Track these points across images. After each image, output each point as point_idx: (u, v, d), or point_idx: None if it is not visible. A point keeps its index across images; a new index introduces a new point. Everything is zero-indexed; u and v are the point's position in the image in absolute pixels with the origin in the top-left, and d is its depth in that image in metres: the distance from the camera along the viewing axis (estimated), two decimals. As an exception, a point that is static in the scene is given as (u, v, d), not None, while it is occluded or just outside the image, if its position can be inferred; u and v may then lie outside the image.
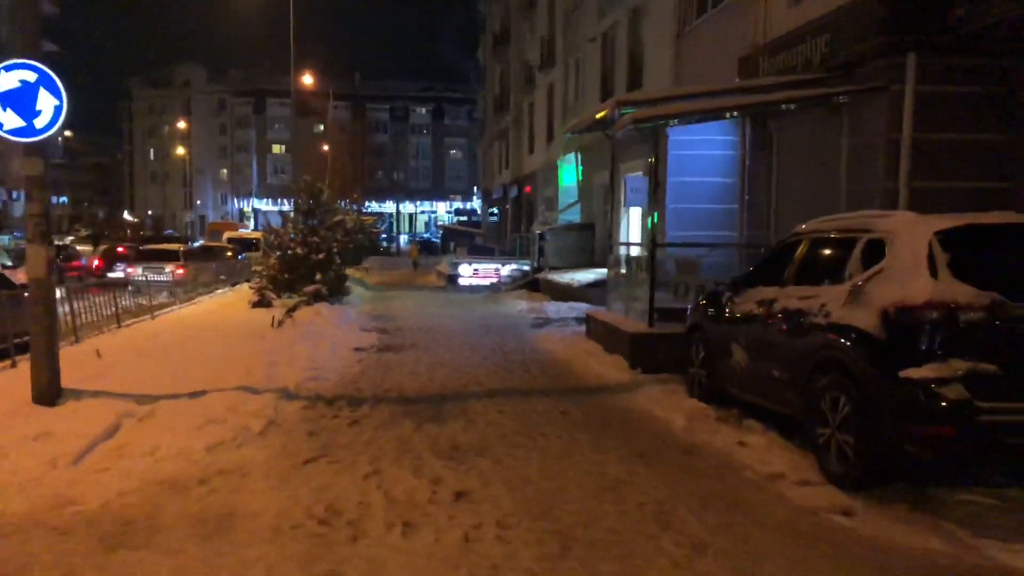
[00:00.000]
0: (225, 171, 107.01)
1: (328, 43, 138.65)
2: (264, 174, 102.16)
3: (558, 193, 29.38)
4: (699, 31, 16.74)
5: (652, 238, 10.53)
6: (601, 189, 24.09)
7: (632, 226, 21.79)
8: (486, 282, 29.94)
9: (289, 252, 19.20)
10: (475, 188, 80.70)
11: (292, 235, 19.67)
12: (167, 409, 7.61)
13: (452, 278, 30.61)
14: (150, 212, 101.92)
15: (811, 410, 6.15)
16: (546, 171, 32.05)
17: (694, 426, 7.46)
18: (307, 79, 49.85)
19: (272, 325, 13.91)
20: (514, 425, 7.62)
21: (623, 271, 13.10)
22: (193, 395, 8.12)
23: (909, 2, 9.61)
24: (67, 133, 77.54)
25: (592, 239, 24.38)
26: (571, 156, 27.11)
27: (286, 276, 19.00)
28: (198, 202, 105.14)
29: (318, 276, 18.89)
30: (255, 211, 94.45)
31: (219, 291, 23.80)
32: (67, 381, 7.95)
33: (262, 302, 18.38)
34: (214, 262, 27.74)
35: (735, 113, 11.68)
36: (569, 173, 27.71)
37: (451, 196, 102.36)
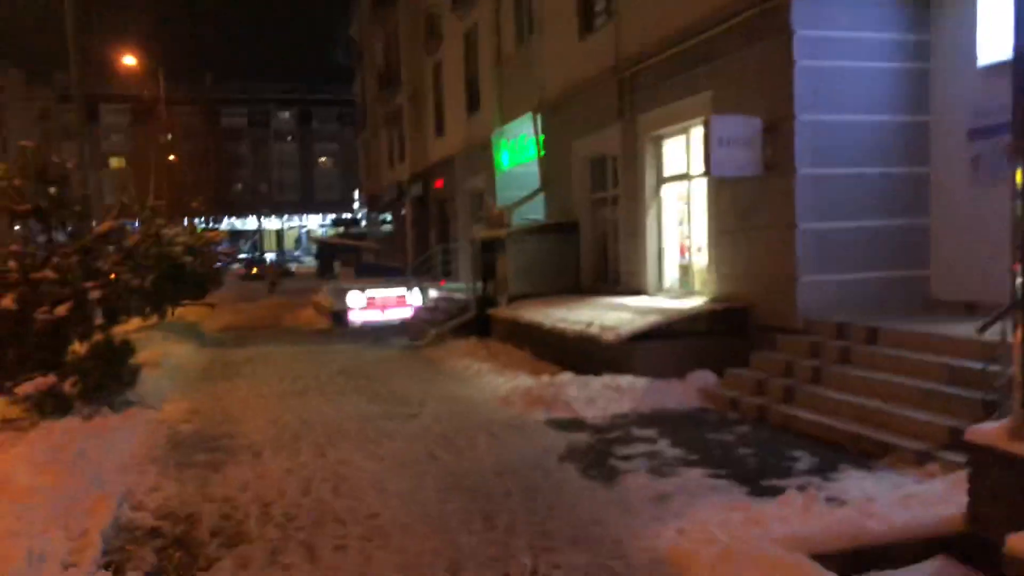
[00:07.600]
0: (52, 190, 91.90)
1: (176, 41, 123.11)
2: (101, 192, 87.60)
3: (494, 182, 19.70)
4: None
5: None
6: (590, 165, 14.61)
7: (666, 222, 12.37)
8: (392, 318, 20.01)
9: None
10: (355, 194, 69.39)
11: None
12: None
13: (338, 315, 20.41)
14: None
15: None
16: (470, 154, 22.28)
17: None
18: (128, 61, 38.64)
19: None
20: None
21: None
22: None
23: None
24: None
25: (576, 247, 14.81)
26: (520, 122, 17.48)
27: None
28: (17, 227, 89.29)
29: (68, 354, 8.58)
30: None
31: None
32: None
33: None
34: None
35: None
36: (518, 149, 18.05)
37: (324, 208, 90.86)
